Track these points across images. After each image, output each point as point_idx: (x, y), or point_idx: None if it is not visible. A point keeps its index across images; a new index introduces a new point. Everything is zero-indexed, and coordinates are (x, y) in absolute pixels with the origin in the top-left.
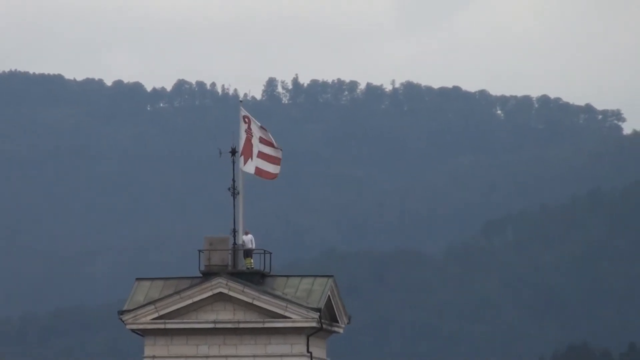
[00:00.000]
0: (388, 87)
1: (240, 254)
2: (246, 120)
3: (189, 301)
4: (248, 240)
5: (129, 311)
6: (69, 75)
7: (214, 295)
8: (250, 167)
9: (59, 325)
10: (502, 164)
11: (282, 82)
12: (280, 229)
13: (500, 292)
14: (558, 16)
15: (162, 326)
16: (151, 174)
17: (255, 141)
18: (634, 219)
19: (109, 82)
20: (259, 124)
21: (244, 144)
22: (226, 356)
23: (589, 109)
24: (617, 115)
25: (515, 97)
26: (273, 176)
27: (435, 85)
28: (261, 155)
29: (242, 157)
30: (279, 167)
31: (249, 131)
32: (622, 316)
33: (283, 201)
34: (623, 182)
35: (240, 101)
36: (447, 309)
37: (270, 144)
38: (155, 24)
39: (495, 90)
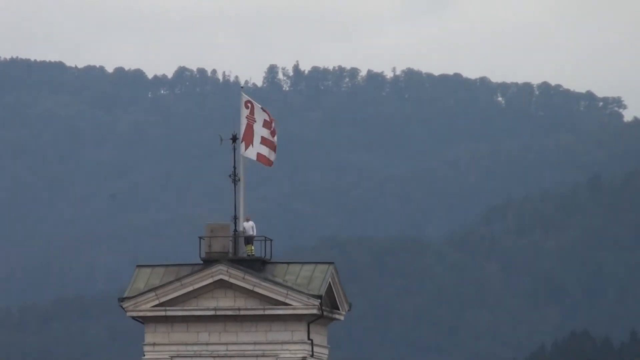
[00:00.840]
0: (389, 74)
1: (241, 241)
2: (248, 105)
3: (190, 288)
4: (249, 227)
5: (129, 298)
6: (70, 62)
7: (214, 282)
8: (251, 152)
9: (59, 313)
10: (503, 151)
11: (283, 69)
12: (280, 215)
13: (501, 279)
14: (559, 3)
15: (162, 313)
16: (152, 161)
17: (257, 127)
18: (635, 206)
19: (110, 69)
20: (260, 106)
21: (245, 129)
22: (227, 343)
23: (589, 96)
24: (618, 102)
25: (516, 84)
26: (270, 163)
27: (436, 72)
28: (263, 140)
29: (243, 143)
30: (275, 154)
31: (250, 117)
32: (623, 304)
33: (284, 188)
34: (624, 169)
35: (242, 87)
36: (448, 296)
37: (271, 128)
38: (156, 11)
39: (496, 77)
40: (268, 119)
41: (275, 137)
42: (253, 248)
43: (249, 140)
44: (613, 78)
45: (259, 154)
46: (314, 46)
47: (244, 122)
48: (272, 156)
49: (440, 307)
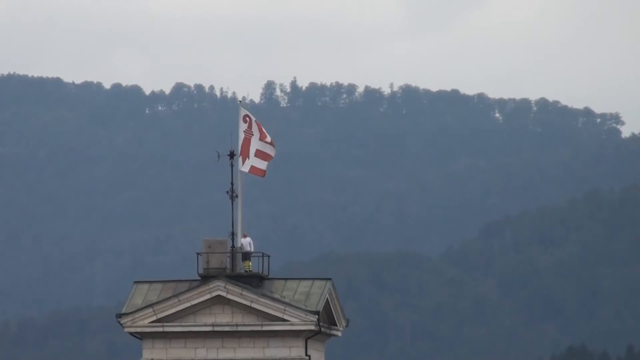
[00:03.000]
0: (386, 90)
1: (239, 256)
2: (246, 119)
3: (187, 304)
4: (246, 243)
5: (127, 314)
6: (67, 78)
7: (212, 298)
8: (246, 166)
9: (57, 328)
10: (501, 167)
11: (281, 85)
12: (278, 231)
13: (499, 294)
14: (557, 19)
15: (160, 329)
16: (150, 177)
17: (254, 140)
18: (632, 222)
19: (107, 85)
20: (254, 119)
21: (243, 144)
22: (224, 359)
23: (587, 112)
24: (616, 118)
25: (513, 100)
26: (263, 173)
27: (434, 88)
28: (258, 153)
29: (241, 157)
30: (267, 163)
31: (248, 131)
32: (620, 318)
33: (281, 204)
34: (621, 185)
35: (239, 101)
36: (445, 311)
37: (264, 138)
38: (154, 28)
39: (494, 93)
40: (264, 134)
41: (269, 148)
42: (251, 264)
43: (245, 154)
44: (611, 94)
45: (252, 167)
46: (312, 63)
47: (241, 136)
48: (264, 166)
49: (438, 323)
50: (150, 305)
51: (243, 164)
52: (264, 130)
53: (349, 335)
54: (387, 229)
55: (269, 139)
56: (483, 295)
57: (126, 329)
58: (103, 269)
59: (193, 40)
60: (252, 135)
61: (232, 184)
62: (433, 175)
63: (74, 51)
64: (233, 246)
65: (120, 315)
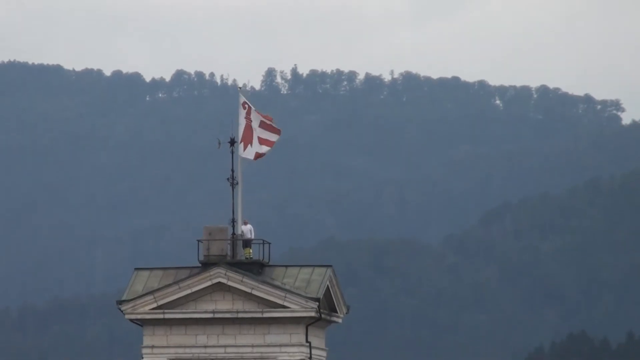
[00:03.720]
0: (387, 78)
1: (240, 244)
2: (245, 106)
3: (188, 291)
4: (247, 230)
5: (127, 301)
6: (68, 65)
7: (212, 285)
8: (250, 153)
9: (58, 315)
10: (501, 154)
11: (281, 72)
12: (279, 218)
13: (499, 281)
14: (557, 6)
15: (160, 316)
16: (150, 164)
17: (255, 126)
18: (633, 209)
19: (108, 73)
20: (254, 109)
21: (244, 130)
22: (225, 346)
23: (588, 99)
24: (616, 105)
25: (514, 87)
26: (260, 155)
27: (434, 75)
28: (261, 140)
29: (242, 143)
30: (269, 148)
31: (248, 117)
32: (620, 305)
33: (282, 191)
34: (622, 171)
35: (239, 88)
36: (446, 299)
37: (270, 128)
38: (155, 15)
39: (494, 80)
40: (265, 120)
41: (273, 133)
42: (251, 251)
43: (247, 140)
44: (611, 81)
45: (257, 154)
46: (312, 50)
47: (242, 123)
48: (262, 149)
49: (439, 309)
50: (151, 292)
51: (244, 150)
52: (264, 120)
53: (350, 321)
54: (388, 215)
55: (273, 124)
56: (483, 282)
57: (127, 316)
58: (104, 256)
59: (193, 28)
60: (252, 121)
61: (232, 171)
62: (433, 163)
63: (74, 38)
64: (234, 233)
65: (120, 302)
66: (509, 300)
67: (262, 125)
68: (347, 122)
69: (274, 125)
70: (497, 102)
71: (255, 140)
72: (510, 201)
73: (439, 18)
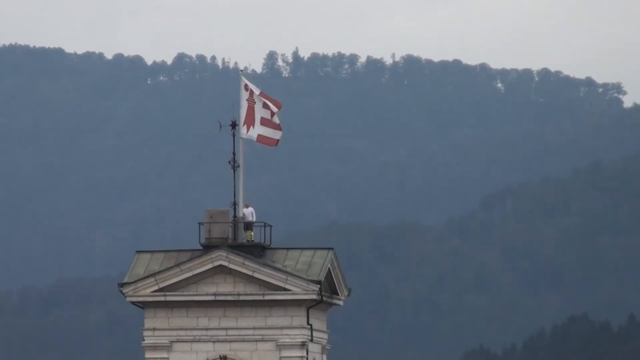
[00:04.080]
0: (388, 61)
1: (241, 226)
2: (247, 88)
3: (189, 274)
4: (248, 213)
5: (129, 284)
6: (69, 48)
7: (214, 267)
8: (252, 134)
9: (59, 298)
10: (502, 137)
11: (283, 55)
12: (280, 201)
13: (500, 265)
14: None
15: (162, 299)
16: (151, 147)
17: (257, 108)
18: (634, 192)
19: (109, 56)
20: (259, 91)
21: (247, 112)
22: (226, 328)
23: (589, 82)
24: (618, 88)
25: (515, 71)
26: (275, 142)
27: (436, 58)
28: (264, 121)
29: (245, 125)
30: (280, 133)
31: (250, 99)
32: (621, 288)
33: (283, 174)
34: (623, 155)
35: (241, 70)
36: (447, 282)
37: (271, 111)
38: None
39: (496, 63)
40: (267, 102)
41: (276, 118)
42: (253, 234)
43: (250, 122)
44: (613, 64)
45: (259, 135)
46: (314, 33)
47: (244, 105)
48: (276, 135)
49: (440, 292)
50: (152, 275)
51: (247, 131)
52: (271, 106)
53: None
54: (389, 199)
55: (277, 118)
56: (485, 265)
57: (128, 299)
58: (105, 239)
59: (195, 11)
60: (255, 103)
61: (234, 154)
62: (435, 146)
63: (75, 21)
64: (235, 216)
65: (122, 285)
66: (511, 284)
67: (265, 106)
68: (348, 106)
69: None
70: (499, 85)
71: (257, 122)
72: (511, 184)
73: (441, 1)
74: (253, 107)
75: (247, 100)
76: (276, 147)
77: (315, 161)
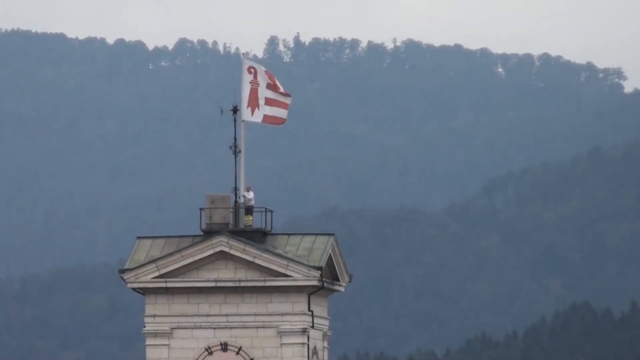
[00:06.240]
0: (389, 45)
1: (242, 212)
2: (251, 70)
3: (190, 260)
4: (250, 196)
5: (130, 270)
6: (70, 34)
7: (215, 253)
8: (257, 116)
9: (60, 284)
10: (503, 123)
11: (284, 40)
12: (281, 187)
13: (502, 251)
14: None
15: (163, 285)
16: (152, 132)
17: (261, 89)
18: (635, 177)
19: (110, 41)
20: (264, 69)
21: (250, 94)
22: (227, 315)
23: (590, 67)
24: (619, 73)
25: (516, 56)
26: (282, 121)
27: (437, 43)
28: (268, 101)
29: (249, 108)
30: (286, 111)
31: (254, 81)
32: (623, 275)
33: (284, 159)
34: (624, 140)
35: (243, 54)
36: (448, 267)
37: (277, 89)
38: None
39: (497, 48)
40: (271, 82)
41: (288, 97)
42: (252, 219)
43: (254, 104)
44: (613, 49)
45: (265, 116)
46: (315, 17)
47: (247, 88)
48: (282, 114)
49: (441, 278)
50: (153, 261)
51: (252, 114)
52: (277, 82)
53: (352, 290)
54: (390, 184)
55: (282, 89)
56: (486, 251)
57: (129, 285)
58: (106, 225)
59: None
60: (258, 84)
61: (235, 139)
62: (436, 131)
63: (77, 7)
64: (236, 201)
65: (123, 271)
66: (512, 270)
67: (269, 87)
68: (349, 91)
69: (281, 89)
70: (500, 70)
71: (261, 103)
72: (512, 169)
73: None
74: (256, 89)
75: (250, 82)
76: (282, 125)
77: (316, 146)
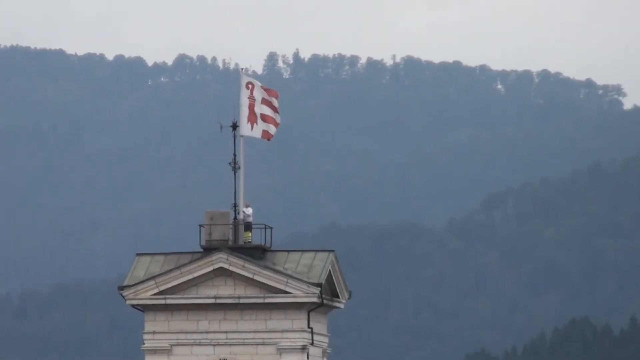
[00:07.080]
0: (389, 62)
1: (241, 228)
2: (249, 86)
3: (190, 276)
4: (249, 212)
5: (129, 286)
6: (70, 49)
7: (214, 270)
8: (257, 131)
9: (59, 300)
10: (503, 139)
11: (283, 56)
12: (281, 203)
13: (501, 266)
14: None
15: (162, 301)
16: (152, 148)
17: (257, 105)
18: (635, 193)
19: (110, 57)
20: (260, 84)
21: (249, 110)
22: (227, 332)
23: (589, 83)
24: (618, 90)
25: (515, 72)
26: (270, 136)
27: (436, 60)
28: (262, 117)
29: (249, 123)
30: (275, 128)
31: (251, 97)
32: (622, 290)
33: (283, 175)
34: (623, 156)
35: (242, 69)
36: (448, 283)
37: (270, 105)
38: None
39: (496, 65)
40: (267, 97)
41: (277, 115)
42: (251, 235)
43: (253, 119)
44: (613, 66)
45: (263, 131)
46: (314, 34)
47: (245, 103)
48: (271, 129)
49: (440, 294)
50: (153, 278)
51: (252, 129)
52: (274, 99)
53: (352, 307)
54: (390, 200)
55: (275, 102)
56: (485, 266)
57: (128, 302)
58: (105, 241)
59: (196, 12)
60: (255, 100)
61: (234, 155)
62: (435, 147)
63: (76, 23)
64: (235, 218)
65: (122, 288)
66: (511, 285)
67: (264, 102)
68: (348, 107)
69: (273, 102)
70: (499, 86)
71: (259, 118)
72: (512, 185)
73: (441, 3)
74: (254, 105)
75: (248, 98)
76: (269, 142)
77: (316, 162)
